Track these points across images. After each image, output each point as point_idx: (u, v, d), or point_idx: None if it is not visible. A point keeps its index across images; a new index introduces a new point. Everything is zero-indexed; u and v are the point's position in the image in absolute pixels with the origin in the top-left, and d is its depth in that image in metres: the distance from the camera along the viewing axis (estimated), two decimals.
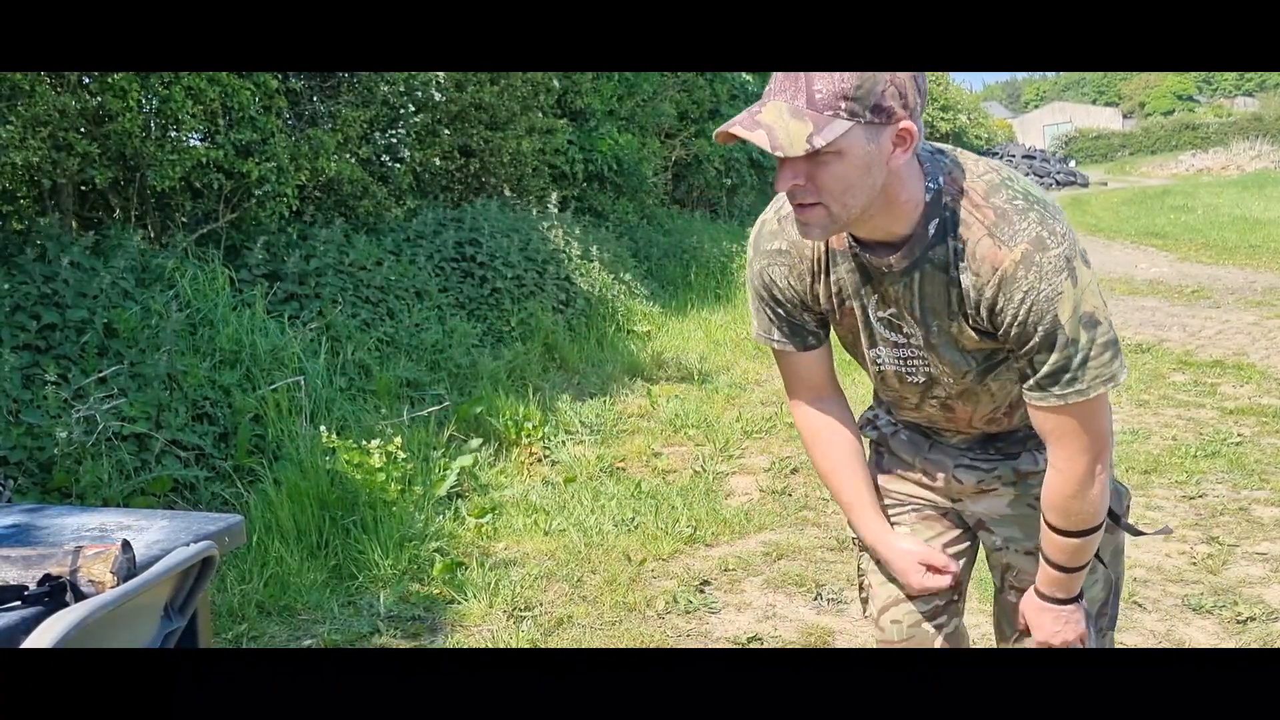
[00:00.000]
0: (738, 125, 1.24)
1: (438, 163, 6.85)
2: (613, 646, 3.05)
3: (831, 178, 1.27)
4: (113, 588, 1.27)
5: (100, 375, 3.73)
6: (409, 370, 5.11)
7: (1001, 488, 1.68)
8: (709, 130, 11.37)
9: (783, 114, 1.23)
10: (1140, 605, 3.18)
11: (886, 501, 1.77)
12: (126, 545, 1.32)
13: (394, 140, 6.45)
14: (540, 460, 4.74)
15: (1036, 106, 68.55)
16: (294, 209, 5.39)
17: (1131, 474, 4.37)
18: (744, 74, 11.79)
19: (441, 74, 6.38)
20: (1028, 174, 34.50)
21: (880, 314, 1.50)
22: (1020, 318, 1.35)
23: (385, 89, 5.98)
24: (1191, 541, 3.67)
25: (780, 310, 1.59)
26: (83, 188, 4.81)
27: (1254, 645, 2.91)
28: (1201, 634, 3.00)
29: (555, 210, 7.84)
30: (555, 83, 7.85)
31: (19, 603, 1.24)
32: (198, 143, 4.94)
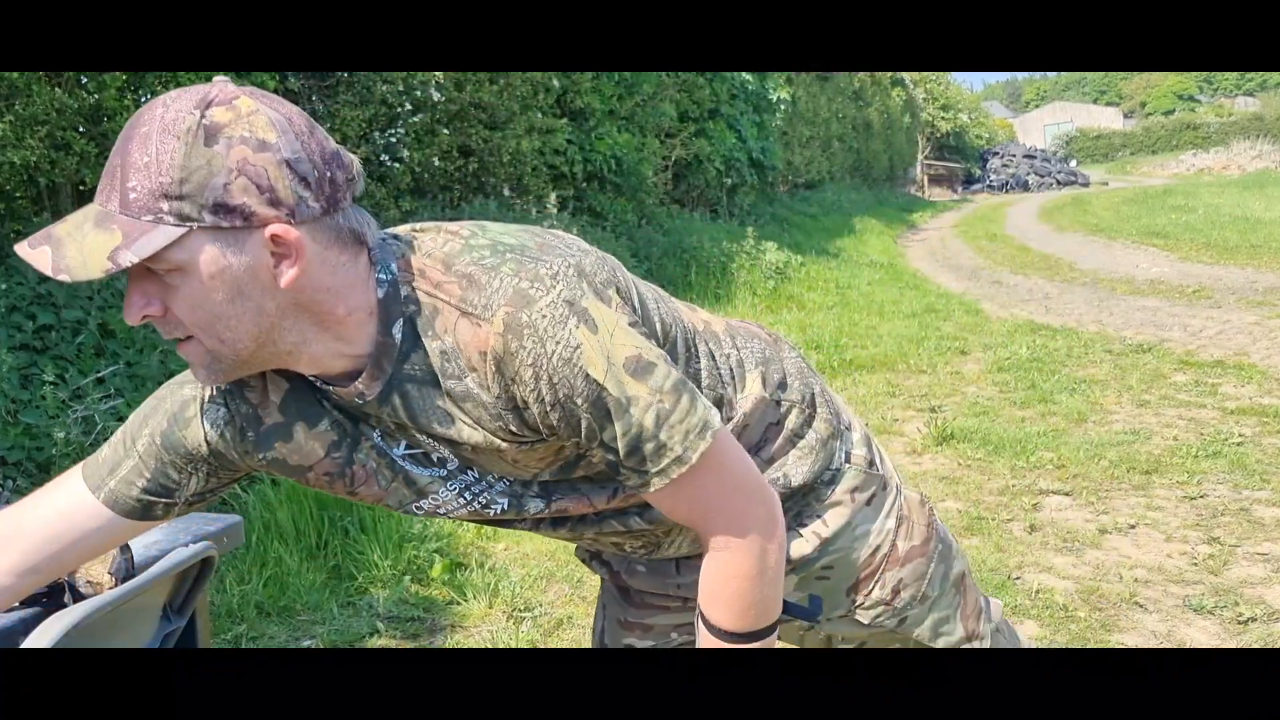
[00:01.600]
0: (26, 242, 0.95)
1: (436, 163, 6.85)
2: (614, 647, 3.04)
3: (187, 305, 0.95)
4: (111, 588, 1.27)
5: (98, 375, 3.73)
6: None
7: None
8: (709, 130, 11.37)
9: (85, 224, 0.93)
10: (1141, 606, 3.18)
11: (649, 635, 1.46)
12: (125, 546, 1.32)
13: (393, 140, 6.44)
14: None
15: (1037, 106, 68.58)
16: None
17: (1132, 474, 4.38)
18: (744, 74, 11.80)
19: (440, 73, 6.38)
20: (1028, 173, 34.67)
21: (401, 450, 1.13)
22: (547, 397, 1.01)
23: (384, 88, 5.98)
24: (1192, 542, 3.67)
25: (167, 460, 1.16)
26: (80, 187, 4.81)
27: (1255, 646, 2.91)
28: (1202, 634, 3.00)
29: (554, 211, 7.84)
30: (555, 82, 7.85)
31: (17, 603, 1.24)
32: None
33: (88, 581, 1.27)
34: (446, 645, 3.07)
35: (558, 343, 0.99)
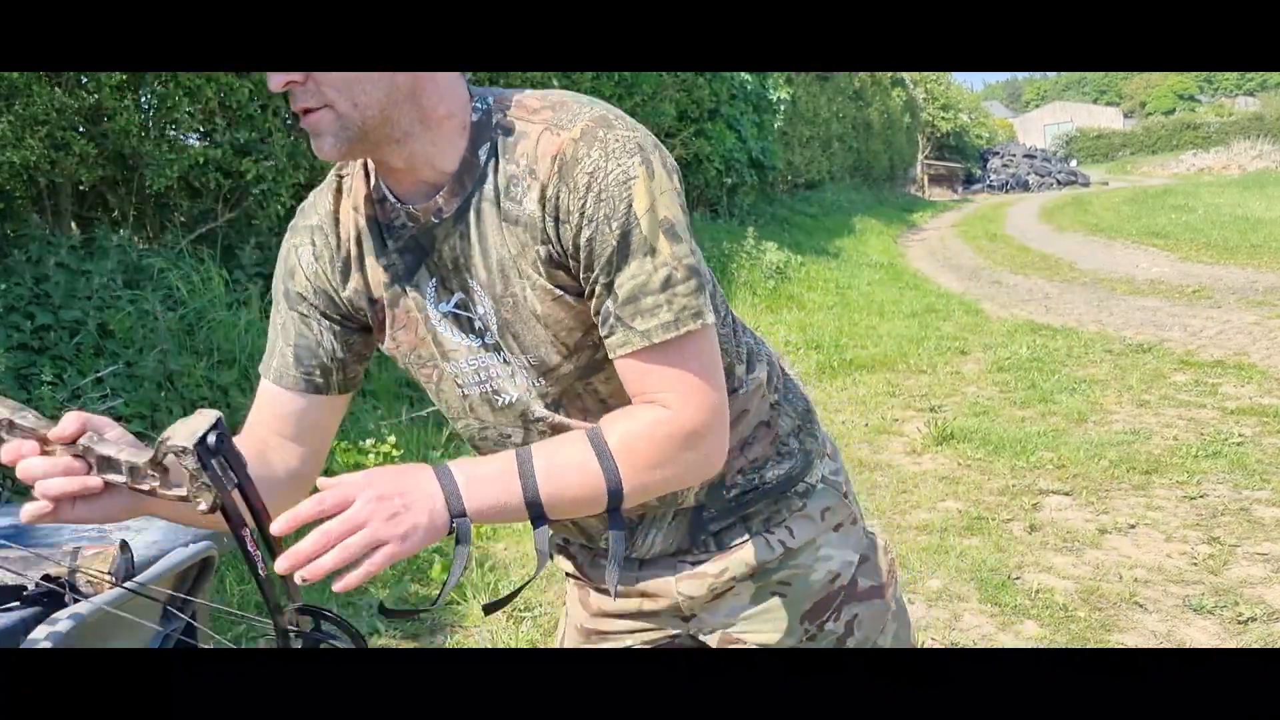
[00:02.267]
0: None
1: None
2: (614, 647, 3.05)
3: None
4: (111, 588, 1.27)
5: (96, 375, 3.73)
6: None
7: (738, 585, 1.33)
8: (709, 130, 11.37)
9: None
10: (1141, 606, 3.18)
11: (607, 642, 1.43)
12: (125, 546, 1.32)
13: None
14: None
15: (1037, 106, 68.61)
16: (291, 209, 5.38)
17: (1132, 474, 4.38)
18: (744, 74, 11.80)
19: None
20: (1028, 173, 34.67)
21: (444, 307, 1.17)
22: (589, 211, 1.05)
23: None
24: (1192, 542, 3.67)
25: (296, 313, 1.22)
26: (80, 187, 4.81)
27: (1255, 646, 2.91)
28: (1203, 634, 3.00)
29: None
30: (555, 82, 7.85)
31: (18, 603, 1.24)
32: (195, 142, 4.94)
33: (88, 581, 1.27)
34: (447, 645, 3.07)
35: (618, 165, 1.05)
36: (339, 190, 1.19)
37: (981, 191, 32.96)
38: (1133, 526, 3.81)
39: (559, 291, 1.11)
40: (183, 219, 5.09)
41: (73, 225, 4.73)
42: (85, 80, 4.37)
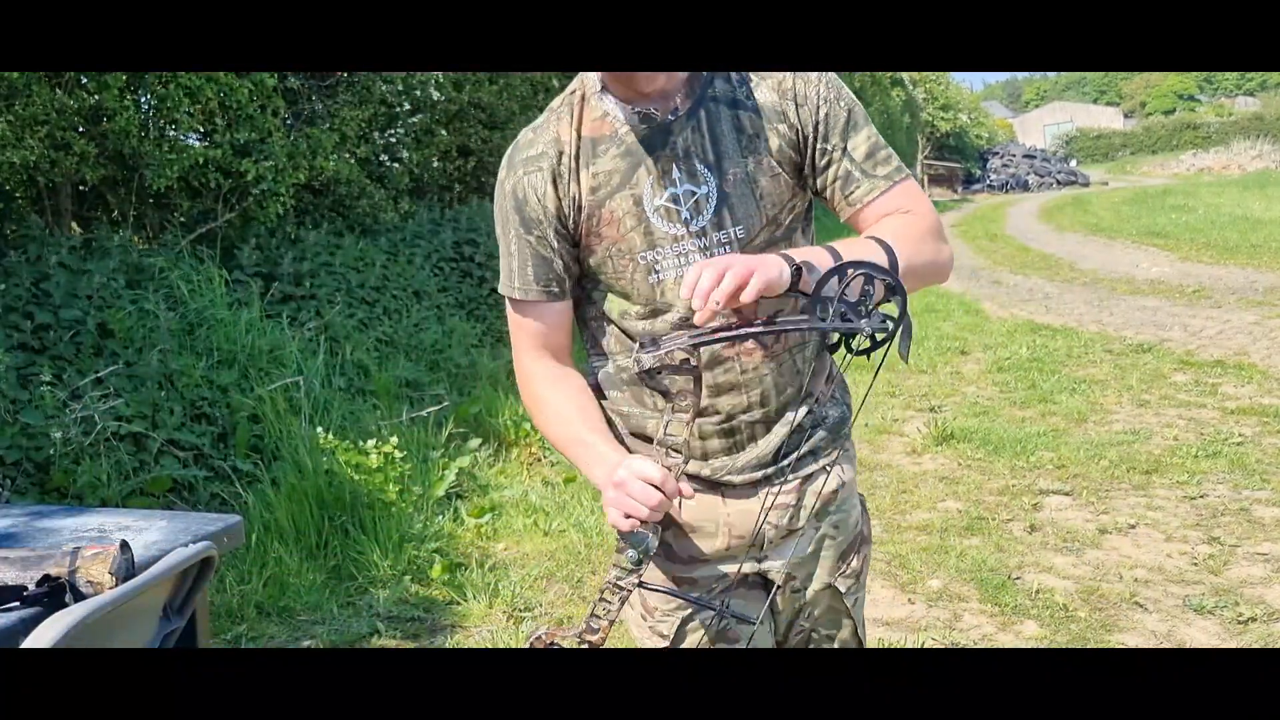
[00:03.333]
0: None
1: (435, 163, 6.85)
2: (613, 647, 3.05)
3: None
4: (111, 588, 1.27)
5: (96, 375, 3.73)
6: (408, 370, 5.11)
7: (806, 526, 1.51)
8: None
9: None
10: (1141, 606, 3.18)
11: (696, 589, 1.52)
12: (125, 546, 1.32)
13: (392, 140, 6.44)
14: (540, 460, 4.74)
15: (1037, 106, 68.59)
16: (291, 209, 5.38)
17: (1133, 474, 4.38)
18: None
19: (440, 73, 6.38)
20: (1028, 173, 34.61)
21: (658, 200, 1.39)
22: (824, 95, 1.38)
23: (383, 88, 5.98)
24: (1193, 542, 3.67)
25: (531, 238, 1.42)
26: (80, 187, 4.81)
27: (1255, 646, 2.91)
28: (1203, 634, 3.00)
29: None
30: (555, 82, 7.84)
31: (18, 603, 1.24)
32: (195, 142, 4.94)
33: (88, 581, 1.27)
34: (446, 645, 3.07)
35: (832, 75, 1.41)
36: (559, 119, 1.41)
37: (981, 191, 32.95)
38: (1133, 526, 3.81)
39: (778, 169, 1.39)
40: (183, 219, 5.08)
41: (73, 225, 4.73)
42: (85, 80, 4.37)
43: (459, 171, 7.25)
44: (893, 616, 3.25)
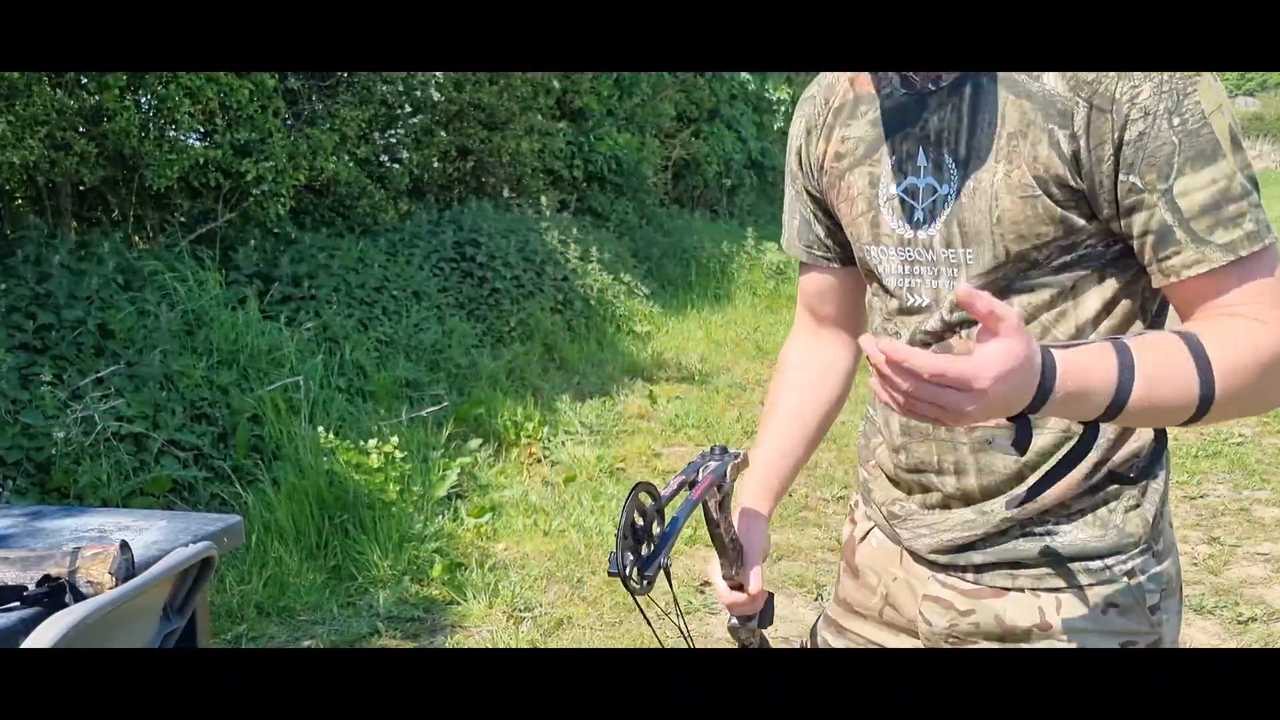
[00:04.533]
0: None
1: (435, 164, 6.85)
2: (613, 647, 3.05)
3: None
4: (111, 588, 1.27)
5: (97, 375, 3.73)
6: (408, 370, 5.11)
7: (982, 644, 1.17)
8: (709, 131, 11.36)
9: None
10: None
11: (842, 641, 1.34)
12: (125, 546, 1.32)
13: (392, 140, 6.44)
14: (540, 461, 4.74)
15: None
16: (291, 209, 5.38)
17: None
18: (744, 74, 11.79)
19: (440, 74, 6.38)
20: None
21: (893, 189, 1.13)
22: (1148, 106, 0.95)
23: (384, 88, 5.98)
24: (1193, 542, 3.67)
25: (792, 191, 1.29)
26: (80, 187, 4.81)
27: (1255, 645, 2.91)
28: (1203, 634, 3.00)
29: (549, 212, 7.84)
30: (555, 83, 7.84)
31: (18, 603, 1.24)
32: (196, 142, 4.94)
33: (88, 581, 1.27)
34: (446, 645, 3.07)
35: (1181, 71, 0.95)
36: None
37: None
38: None
39: (1034, 189, 1.02)
40: (183, 219, 5.08)
41: (73, 225, 4.73)
42: (85, 80, 4.37)
43: (459, 172, 7.25)
44: None
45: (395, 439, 3.98)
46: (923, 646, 1.23)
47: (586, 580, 3.50)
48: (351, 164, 5.72)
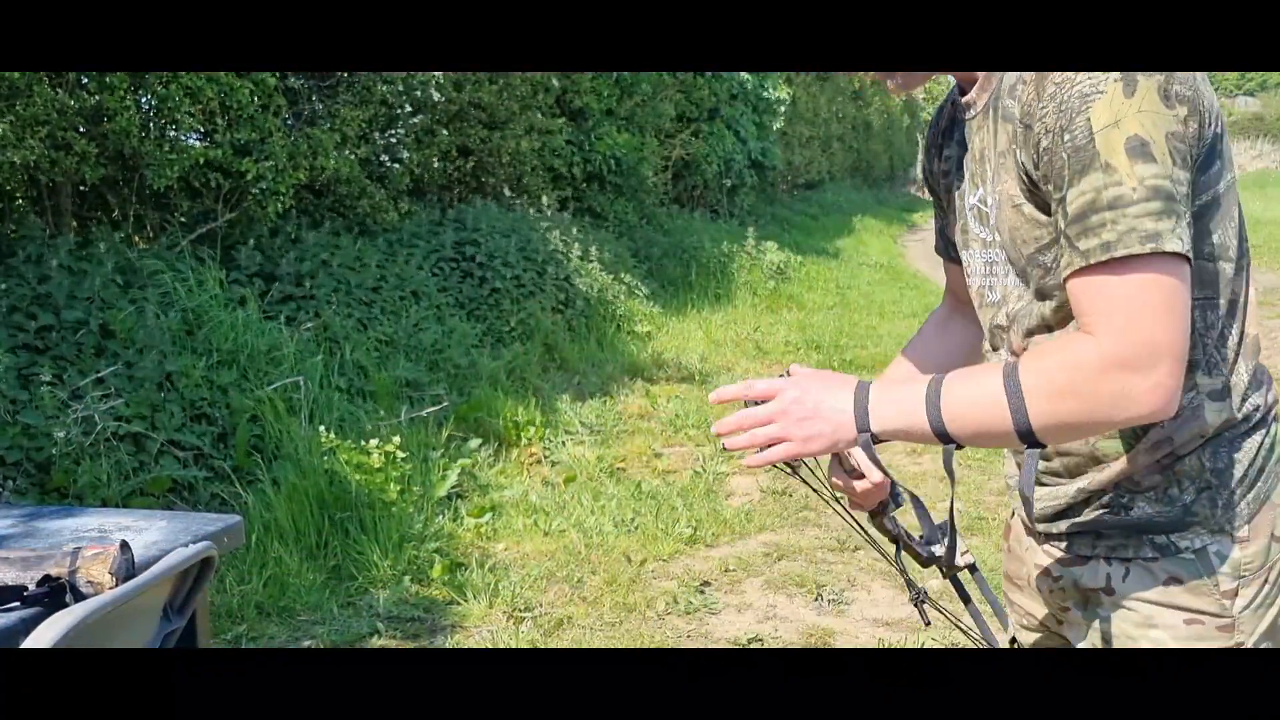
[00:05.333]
0: None
1: (436, 164, 6.85)
2: (613, 647, 3.05)
3: None
4: (111, 588, 1.27)
5: (97, 375, 3.73)
6: (408, 370, 5.11)
7: (1074, 611, 1.28)
8: (708, 130, 11.36)
9: None
10: None
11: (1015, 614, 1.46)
12: (125, 546, 1.32)
13: (392, 140, 6.44)
14: (540, 461, 4.74)
15: None
16: (291, 209, 5.38)
17: None
18: (743, 74, 11.79)
19: (440, 74, 6.38)
20: None
21: (972, 200, 1.25)
22: (1048, 123, 1.04)
23: (384, 88, 5.98)
24: None
25: (928, 187, 1.45)
26: (81, 187, 4.81)
27: None
28: None
29: (549, 212, 7.84)
30: (555, 82, 7.84)
31: (18, 603, 1.24)
32: (196, 142, 4.94)
33: (88, 581, 1.27)
34: (446, 645, 3.07)
35: (1090, 80, 1.02)
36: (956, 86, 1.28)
37: None
38: None
39: (1020, 199, 1.14)
40: (183, 219, 5.08)
41: (73, 225, 4.73)
42: (86, 80, 4.37)
43: (459, 172, 7.25)
44: (893, 616, 3.25)
45: (396, 439, 3.98)
46: (1058, 623, 1.34)
47: (586, 580, 3.50)
48: (352, 162, 5.72)
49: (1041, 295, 1.17)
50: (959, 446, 1.11)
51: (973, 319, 1.40)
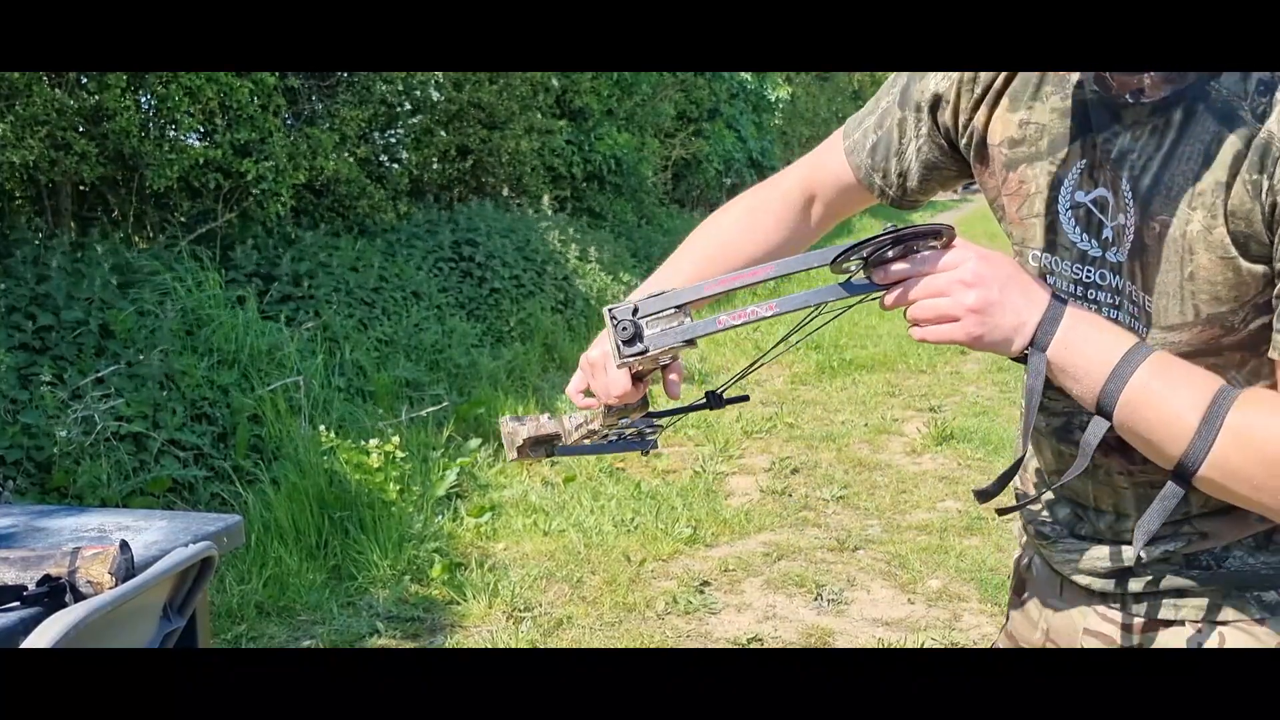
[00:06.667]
0: None
1: (435, 164, 6.86)
2: (612, 647, 3.05)
3: None
4: (111, 588, 1.27)
5: (97, 375, 3.73)
6: (408, 370, 5.12)
7: None
8: (708, 130, 11.37)
9: None
10: None
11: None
12: (125, 546, 1.32)
13: (392, 140, 6.45)
14: (539, 460, 4.74)
15: None
16: (290, 208, 5.38)
17: None
18: (743, 74, 11.80)
19: (440, 73, 6.38)
20: None
21: (1080, 196, 1.00)
22: None
23: (383, 88, 5.98)
24: None
25: (901, 112, 1.15)
26: (81, 187, 4.81)
27: None
28: None
29: (549, 211, 7.84)
30: (554, 82, 7.84)
31: (18, 603, 1.24)
32: (195, 142, 4.94)
33: (88, 581, 1.27)
34: (446, 645, 3.07)
35: None
36: None
37: (981, 192, 32.92)
38: None
39: (1231, 249, 0.89)
40: (183, 219, 5.08)
41: (73, 225, 4.73)
42: (85, 80, 4.37)
43: (458, 172, 7.25)
44: (893, 616, 3.25)
45: (396, 439, 3.98)
46: None
47: (586, 580, 3.51)
48: (351, 163, 5.72)
49: (1203, 353, 0.94)
50: (1110, 428, 0.91)
51: (812, 226, 1.25)
